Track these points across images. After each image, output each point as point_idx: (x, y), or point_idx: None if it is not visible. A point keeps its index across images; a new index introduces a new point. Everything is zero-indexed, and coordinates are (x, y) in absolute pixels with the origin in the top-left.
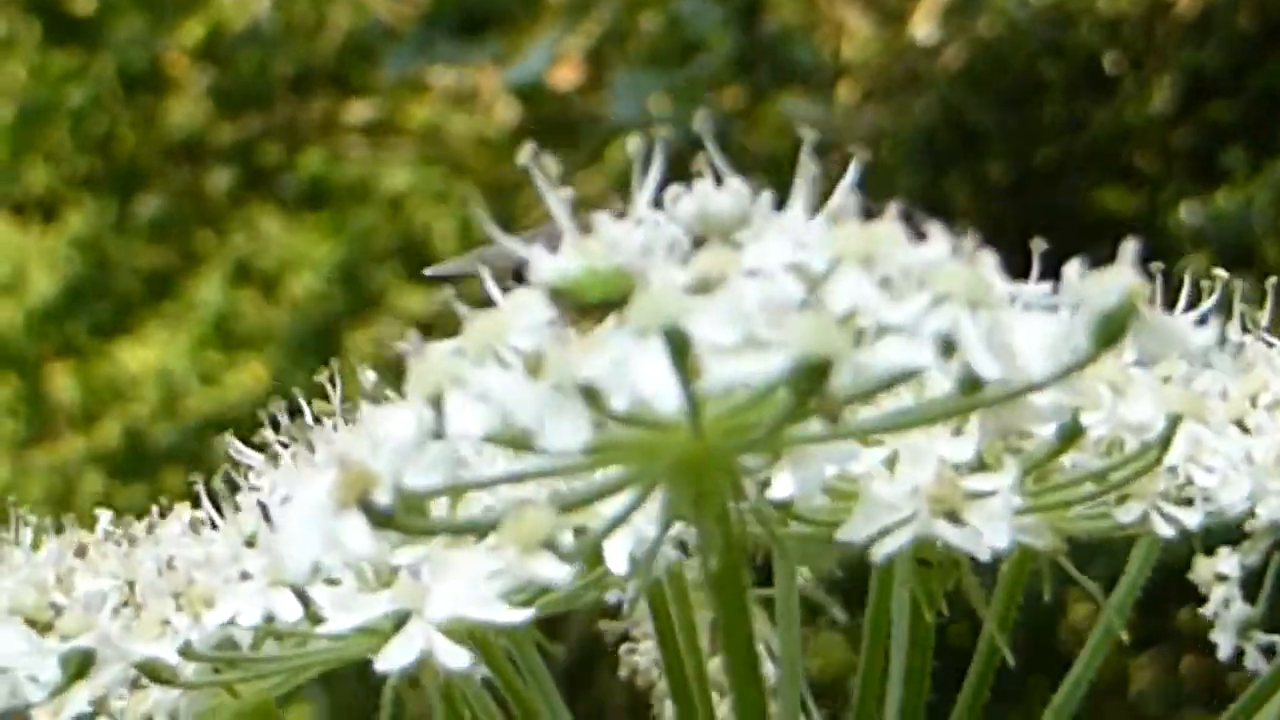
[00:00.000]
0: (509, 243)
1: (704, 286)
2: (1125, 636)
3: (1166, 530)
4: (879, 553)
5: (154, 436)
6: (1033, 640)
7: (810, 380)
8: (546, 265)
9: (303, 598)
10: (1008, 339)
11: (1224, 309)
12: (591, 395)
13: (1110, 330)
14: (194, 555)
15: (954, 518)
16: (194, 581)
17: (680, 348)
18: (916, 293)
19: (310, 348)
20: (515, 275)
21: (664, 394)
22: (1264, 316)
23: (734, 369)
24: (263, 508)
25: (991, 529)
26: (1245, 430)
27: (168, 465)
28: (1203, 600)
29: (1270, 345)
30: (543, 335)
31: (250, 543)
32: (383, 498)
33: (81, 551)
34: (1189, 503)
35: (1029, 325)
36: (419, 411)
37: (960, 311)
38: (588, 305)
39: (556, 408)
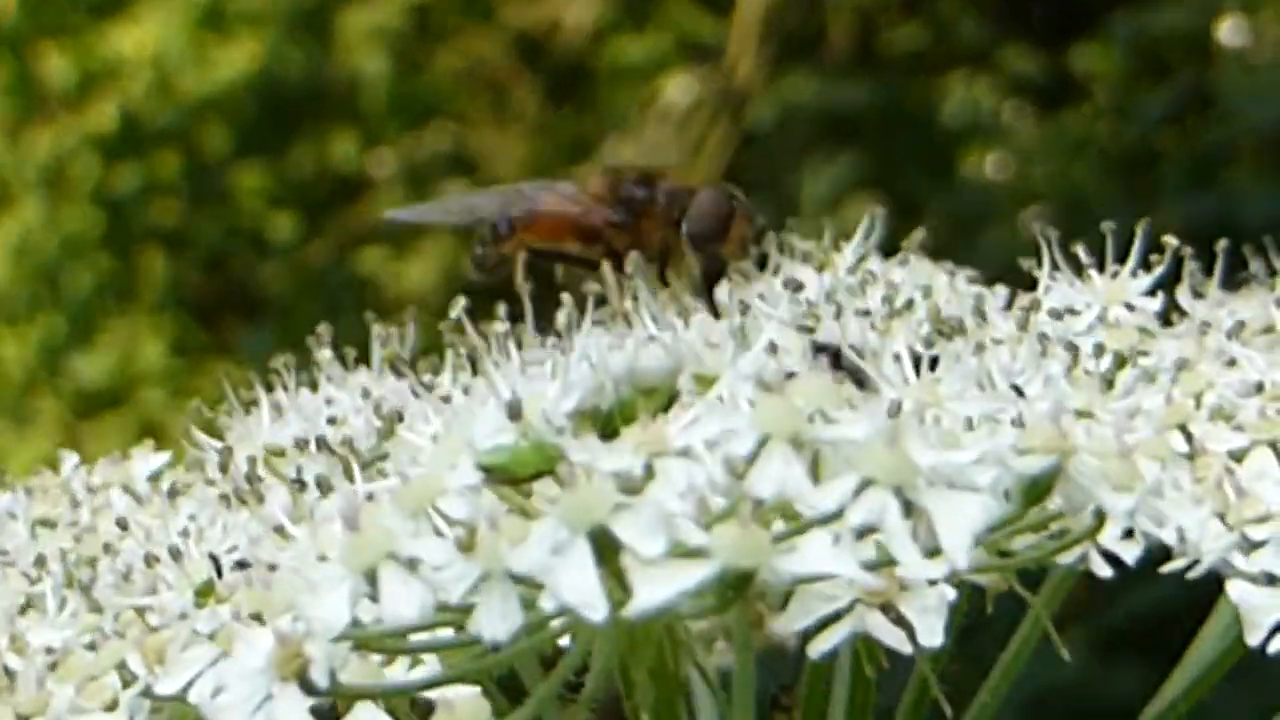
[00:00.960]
0: (471, 197)
1: (630, 484)
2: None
3: (1105, 570)
4: (816, 649)
5: (148, 117)
6: None
7: (735, 587)
8: (480, 439)
9: None
10: (932, 524)
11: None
12: (522, 582)
13: (1037, 492)
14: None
15: (889, 608)
16: (151, 629)
17: (606, 550)
18: (842, 471)
19: (303, 26)
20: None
21: (591, 604)
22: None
23: (660, 590)
24: (214, 560)
25: (926, 624)
26: (1188, 436)
27: (161, 147)
28: None
29: (1209, 328)
30: (474, 504)
31: (203, 592)
32: (319, 678)
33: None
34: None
35: (953, 508)
36: (354, 590)
37: (886, 498)
38: (519, 479)
39: (488, 593)
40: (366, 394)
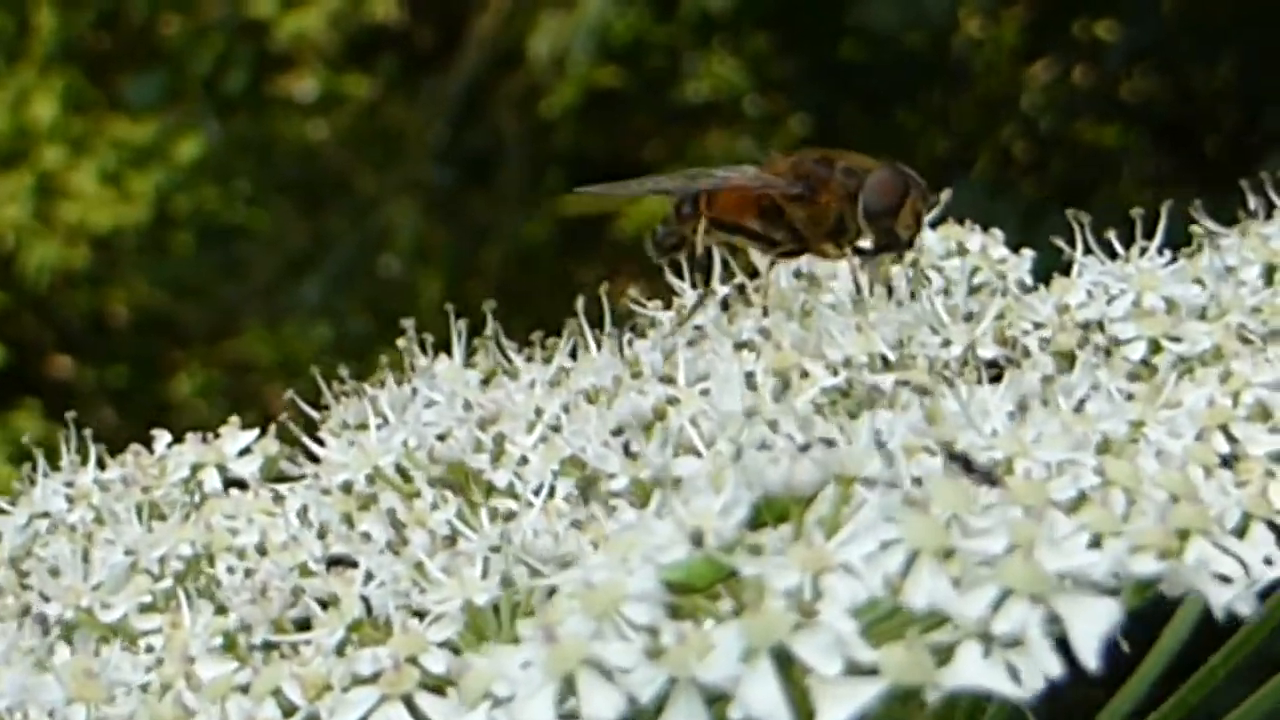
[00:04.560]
0: (659, 178)
1: (805, 609)
2: None
3: None
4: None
5: None
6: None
7: (903, 700)
8: (661, 560)
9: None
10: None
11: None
12: (708, 693)
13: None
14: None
15: None
16: (306, 662)
17: (786, 662)
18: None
19: None
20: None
21: (778, 716)
22: None
23: (841, 708)
24: (365, 601)
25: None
26: (1232, 440)
27: None
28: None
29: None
30: (656, 613)
31: (354, 627)
32: None
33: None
34: None
35: (1083, 612)
36: (554, 693)
37: (1026, 610)
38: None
39: (676, 698)
40: (469, 406)
